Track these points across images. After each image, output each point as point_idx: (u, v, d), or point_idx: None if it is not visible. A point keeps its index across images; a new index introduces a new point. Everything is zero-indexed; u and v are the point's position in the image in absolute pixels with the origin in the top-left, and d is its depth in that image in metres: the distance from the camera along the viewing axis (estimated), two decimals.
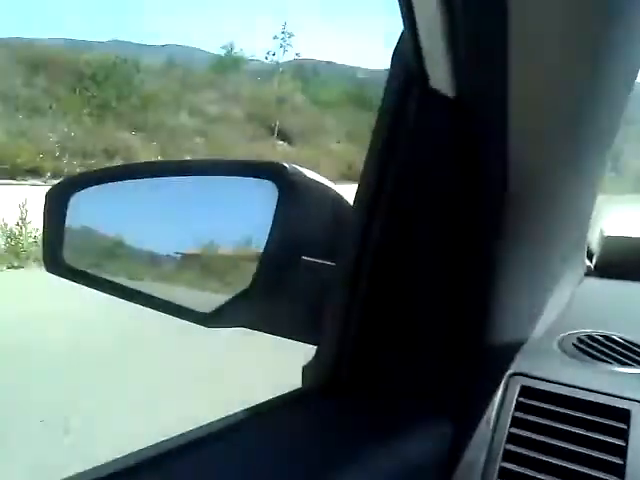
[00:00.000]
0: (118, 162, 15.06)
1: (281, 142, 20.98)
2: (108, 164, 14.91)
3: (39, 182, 13.30)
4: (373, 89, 27.62)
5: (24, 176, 13.46)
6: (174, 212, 0.77)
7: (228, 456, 0.55)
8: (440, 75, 0.56)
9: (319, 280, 0.67)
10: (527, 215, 0.61)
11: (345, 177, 20.75)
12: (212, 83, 22.65)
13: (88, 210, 0.79)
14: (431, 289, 0.66)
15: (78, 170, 14.24)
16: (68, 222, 0.78)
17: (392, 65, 0.63)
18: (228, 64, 27.09)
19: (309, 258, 0.67)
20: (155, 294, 0.73)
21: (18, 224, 7.50)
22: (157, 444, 0.54)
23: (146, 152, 16.32)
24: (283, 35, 26.75)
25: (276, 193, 0.66)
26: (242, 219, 0.73)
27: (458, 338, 0.67)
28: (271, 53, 26.91)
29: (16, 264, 7.16)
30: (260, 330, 0.73)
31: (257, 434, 0.60)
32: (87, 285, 0.77)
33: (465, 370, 0.67)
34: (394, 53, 0.63)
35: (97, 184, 0.78)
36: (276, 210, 0.65)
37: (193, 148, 17.90)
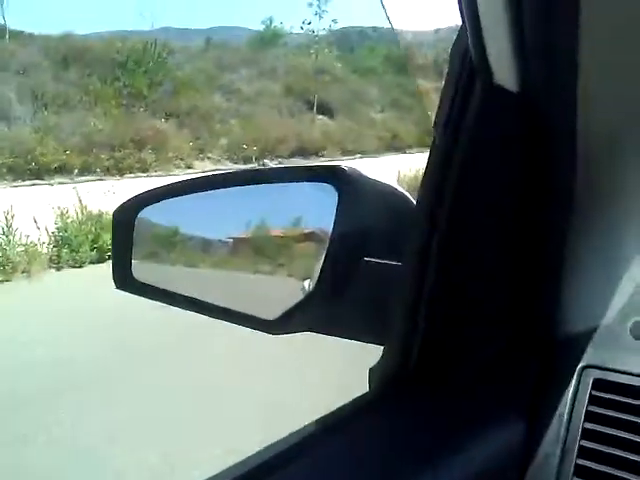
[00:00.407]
0: (148, 152, 14.69)
1: (320, 116, 20.12)
2: (138, 155, 14.60)
3: (66, 180, 13.05)
4: (418, 52, 26.31)
5: (51, 175, 13.21)
6: (237, 221, 0.78)
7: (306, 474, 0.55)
8: (505, 70, 0.56)
9: (383, 280, 0.67)
10: (596, 204, 0.62)
11: (390, 148, 19.91)
12: (248, 61, 21.97)
13: (153, 225, 0.83)
14: (498, 284, 0.66)
15: (106, 164, 13.94)
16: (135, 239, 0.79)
17: (451, 59, 0.62)
18: (267, 39, 26.26)
19: (372, 259, 0.67)
20: (223, 305, 0.75)
21: (3, 232, 7.05)
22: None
23: (178, 139, 15.89)
24: (318, 2, 25.26)
25: (336, 197, 0.66)
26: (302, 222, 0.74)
27: (527, 331, 0.67)
28: (306, 22, 25.34)
29: (1, 278, 6.72)
30: (325, 333, 0.73)
31: (335, 443, 0.59)
32: (158, 300, 0.80)
33: (536, 364, 0.66)
34: (453, 47, 0.62)
35: (162, 200, 0.79)
36: (336, 213, 0.66)
37: (228, 130, 17.34)
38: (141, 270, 0.80)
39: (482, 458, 0.59)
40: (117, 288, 0.80)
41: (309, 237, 0.74)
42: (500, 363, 0.65)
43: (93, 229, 7.87)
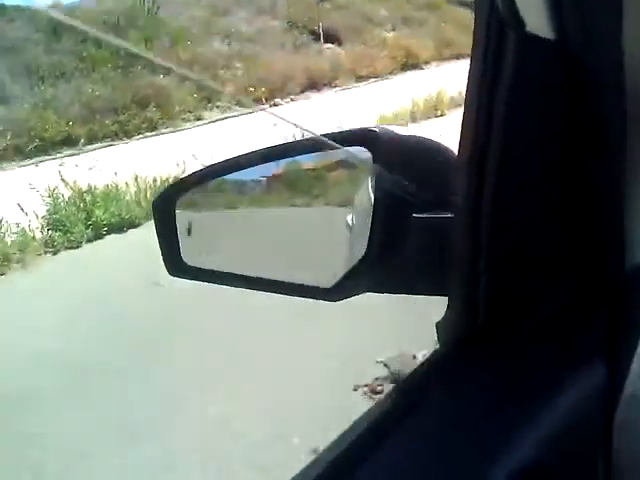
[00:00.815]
0: (152, 110, 14.06)
1: (328, 45, 19.05)
2: (143, 114, 13.97)
3: (75, 151, 12.57)
4: None
5: (58, 148, 12.71)
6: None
7: (379, 452, 0.54)
8: (538, 17, 0.55)
9: (436, 234, 0.66)
10: None
11: (406, 66, 18.79)
12: (244, 0, 20.85)
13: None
14: (559, 224, 0.63)
15: (112, 129, 13.37)
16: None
17: (477, 8, 0.60)
18: None
19: (421, 215, 0.66)
20: (278, 278, 0.75)
21: None
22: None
23: (181, 92, 15.12)
24: None
25: (370, 159, 0.66)
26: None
27: (593, 278, 0.64)
28: None
29: None
30: (384, 292, 0.73)
31: (412, 416, 0.57)
32: (212, 282, 0.81)
33: (607, 307, 0.63)
34: None
35: (200, 184, 0.83)
36: (375, 176, 0.65)
37: (232, 75, 16.50)
38: (191, 254, 0.81)
39: (565, 410, 0.57)
40: (171, 275, 0.82)
41: (340, 164, 0.76)
42: (570, 313, 0.64)
43: (83, 205, 7.50)
